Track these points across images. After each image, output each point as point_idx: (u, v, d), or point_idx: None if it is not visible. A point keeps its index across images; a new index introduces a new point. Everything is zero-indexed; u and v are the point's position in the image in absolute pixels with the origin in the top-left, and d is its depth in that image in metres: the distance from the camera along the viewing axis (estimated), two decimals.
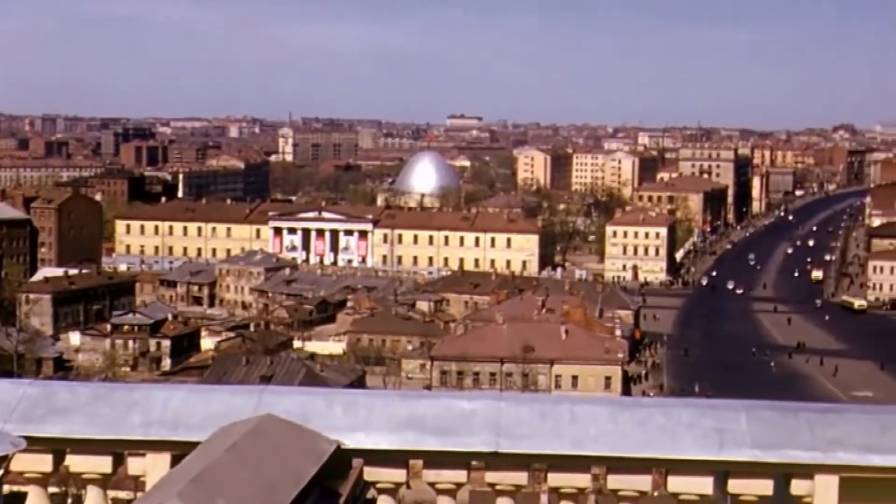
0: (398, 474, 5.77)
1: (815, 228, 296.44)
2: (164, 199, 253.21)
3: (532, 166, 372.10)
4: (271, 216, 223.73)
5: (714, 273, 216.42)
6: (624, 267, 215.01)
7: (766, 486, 5.60)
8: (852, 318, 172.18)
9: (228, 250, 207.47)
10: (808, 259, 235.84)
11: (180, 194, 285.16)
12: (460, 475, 5.74)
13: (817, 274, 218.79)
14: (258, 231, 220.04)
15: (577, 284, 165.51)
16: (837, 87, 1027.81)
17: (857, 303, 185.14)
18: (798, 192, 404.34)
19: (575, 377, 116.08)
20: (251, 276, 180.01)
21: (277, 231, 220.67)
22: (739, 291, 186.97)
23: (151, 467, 5.73)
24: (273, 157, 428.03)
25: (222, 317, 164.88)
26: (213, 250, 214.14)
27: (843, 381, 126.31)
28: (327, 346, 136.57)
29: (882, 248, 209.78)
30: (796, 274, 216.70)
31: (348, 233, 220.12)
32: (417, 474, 5.86)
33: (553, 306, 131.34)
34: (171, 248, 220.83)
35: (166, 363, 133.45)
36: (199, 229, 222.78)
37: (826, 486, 5.54)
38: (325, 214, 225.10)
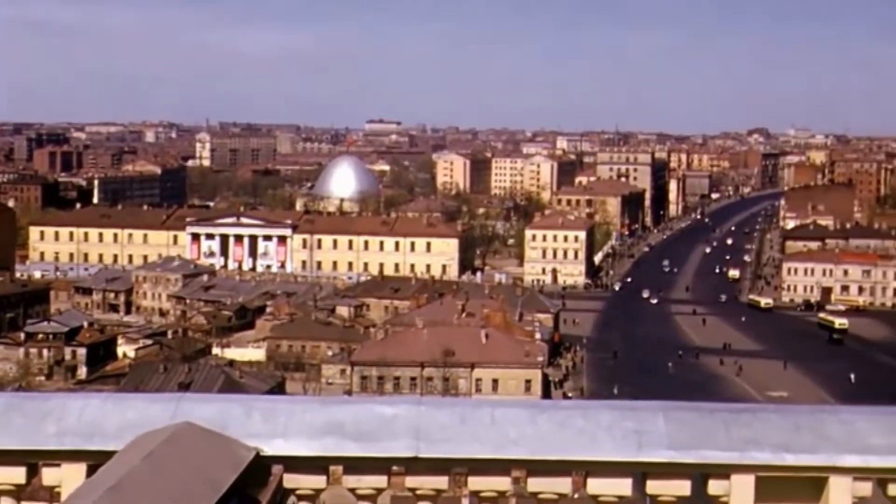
0: (318, 480, 5.74)
1: (732, 230, 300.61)
2: (79, 206, 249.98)
3: (451, 171, 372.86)
4: (189, 222, 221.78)
5: (629, 279, 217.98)
6: (543, 270, 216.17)
7: (683, 487, 5.65)
8: (767, 320, 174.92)
9: (145, 257, 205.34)
10: (726, 259, 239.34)
11: (96, 200, 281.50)
12: (380, 480, 5.73)
13: (734, 273, 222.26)
14: (175, 237, 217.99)
15: (497, 288, 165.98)
16: (752, 92, 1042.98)
17: (764, 301, 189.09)
18: (714, 196, 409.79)
19: (495, 381, 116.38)
20: (168, 282, 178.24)
21: (195, 237, 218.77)
22: (654, 301, 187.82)
23: (67, 478, 5.64)
24: (190, 162, 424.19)
25: (139, 324, 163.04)
26: (130, 257, 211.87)
27: (759, 381, 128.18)
28: (246, 352, 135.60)
29: (796, 250, 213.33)
30: (713, 275, 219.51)
31: (267, 238, 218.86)
32: (338, 480, 5.84)
33: (473, 310, 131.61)
34: (86, 255, 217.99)
35: (82, 372, 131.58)
36: (116, 235, 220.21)
37: (742, 485, 5.61)
38: (244, 220, 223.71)
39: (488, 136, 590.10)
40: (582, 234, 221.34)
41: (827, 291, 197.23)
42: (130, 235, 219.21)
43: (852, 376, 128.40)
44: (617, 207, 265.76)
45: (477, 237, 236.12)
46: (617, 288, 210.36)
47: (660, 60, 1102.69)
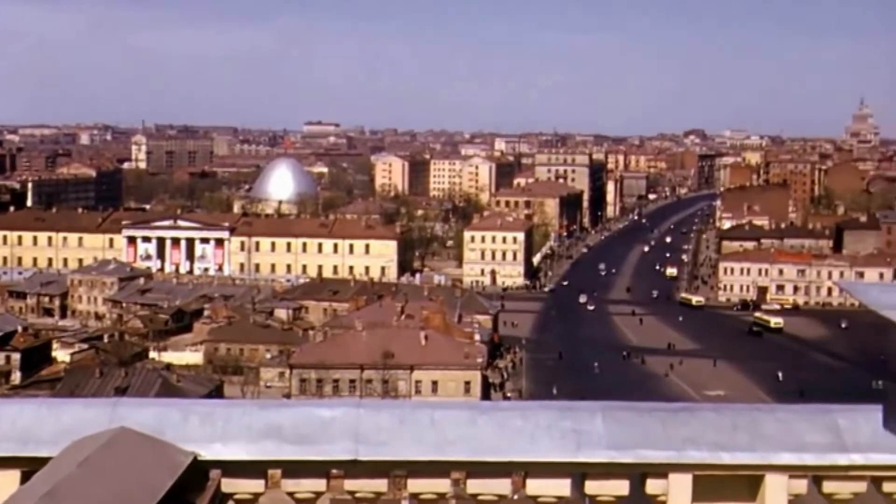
0: (256, 484, 5.71)
1: (669, 230, 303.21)
2: (12, 209, 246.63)
3: (390, 172, 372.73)
4: (125, 225, 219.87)
5: (567, 281, 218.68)
6: (482, 272, 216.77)
7: (622, 486, 5.68)
8: (703, 318, 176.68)
9: (80, 260, 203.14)
10: (664, 259, 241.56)
11: (29, 203, 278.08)
12: (319, 484, 5.71)
13: (672, 271, 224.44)
14: (111, 240, 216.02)
15: (436, 290, 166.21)
16: (688, 93, 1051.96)
17: (696, 300, 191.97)
18: (651, 196, 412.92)
19: (435, 382, 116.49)
20: (104, 286, 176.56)
21: (131, 240, 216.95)
22: (591, 307, 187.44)
23: (0, 485, 5.58)
24: (126, 165, 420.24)
25: (75, 328, 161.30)
26: (65, 260, 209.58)
27: (695, 380, 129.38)
28: (184, 356, 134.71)
29: (732, 250, 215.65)
30: (651, 275, 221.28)
31: (204, 241, 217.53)
32: (276, 484, 5.82)
33: (412, 312, 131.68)
34: (20, 259, 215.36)
35: (16, 377, 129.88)
36: (50, 239, 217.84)
37: (680, 484, 5.65)
38: (181, 222, 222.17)
39: (427, 138, 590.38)
40: (520, 236, 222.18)
41: (763, 291, 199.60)
42: (65, 239, 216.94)
43: (780, 374, 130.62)
44: (555, 209, 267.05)
45: (416, 239, 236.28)
46: (554, 289, 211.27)
47: (597, 61, 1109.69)
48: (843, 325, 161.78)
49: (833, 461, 5.67)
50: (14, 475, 5.57)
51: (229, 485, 5.69)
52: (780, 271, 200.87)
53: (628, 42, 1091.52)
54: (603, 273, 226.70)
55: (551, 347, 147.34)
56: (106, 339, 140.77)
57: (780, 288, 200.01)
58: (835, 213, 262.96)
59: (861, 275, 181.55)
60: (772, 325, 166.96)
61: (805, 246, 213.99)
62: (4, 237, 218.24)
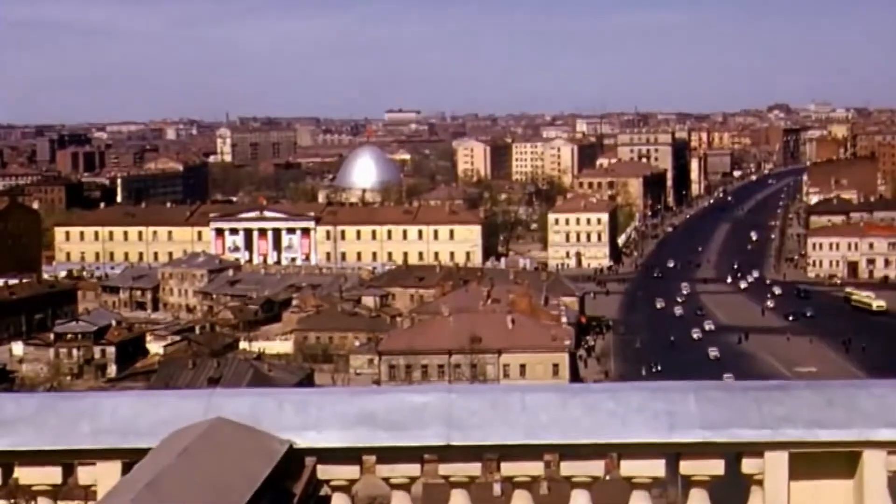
0: (351, 471, 5.76)
1: (755, 207, 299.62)
2: (102, 205, 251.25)
3: (472, 157, 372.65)
4: (212, 217, 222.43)
5: (654, 260, 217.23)
6: (567, 254, 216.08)
7: (717, 466, 5.65)
8: (799, 297, 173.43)
9: (170, 253, 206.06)
10: (751, 237, 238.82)
11: (119, 199, 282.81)
12: (414, 469, 5.75)
13: (756, 247, 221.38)
14: (199, 233, 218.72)
15: (522, 273, 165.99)
16: (771, 67, 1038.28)
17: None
18: (736, 173, 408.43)
19: (523, 366, 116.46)
20: (194, 278, 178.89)
21: (219, 232, 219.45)
22: (683, 286, 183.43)
23: (102, 476, 5.68)
24: (212, 158, 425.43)
25: (167, 321, 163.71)
26: (155, 254, 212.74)
27: (787, 358, 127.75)
28: (274, 345, 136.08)
29: (820, 225, 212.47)
30: (738, 253, 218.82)
31: (291, 231, 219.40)
32: (371, 470, 5.86)
33: (498, 296, 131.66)
34: (111, 254, 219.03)
35: (112, 370, 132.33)
36: (140, 234, 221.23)
37: (776, 462, 5.60)
38: (267, 213, 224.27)
39: (507, 122, 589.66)
40: (604, 217, 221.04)
41: (853, 265, 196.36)
42: (155, 233, 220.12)
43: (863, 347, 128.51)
44: (639, 189, 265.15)
45: (499, 223, 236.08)
46: (643, 269, 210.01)
47: (676, 38, 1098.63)
48: None
49: None
50: (115, 466, 5.68)
51: (325, 471, 5.75)
52: (871, 245, 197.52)
53: (706, 17, 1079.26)
54: (689, 252, 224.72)
55: (639, 328, 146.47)
56: (197, 331, 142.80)
57: (871, 262, 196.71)
58: None
59: None
60: (874, 307, 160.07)
61: (895, 219, 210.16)
62: (96, 233, 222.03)
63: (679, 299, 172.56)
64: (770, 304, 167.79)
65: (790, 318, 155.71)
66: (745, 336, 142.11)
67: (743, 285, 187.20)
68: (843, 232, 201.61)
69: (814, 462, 5.62)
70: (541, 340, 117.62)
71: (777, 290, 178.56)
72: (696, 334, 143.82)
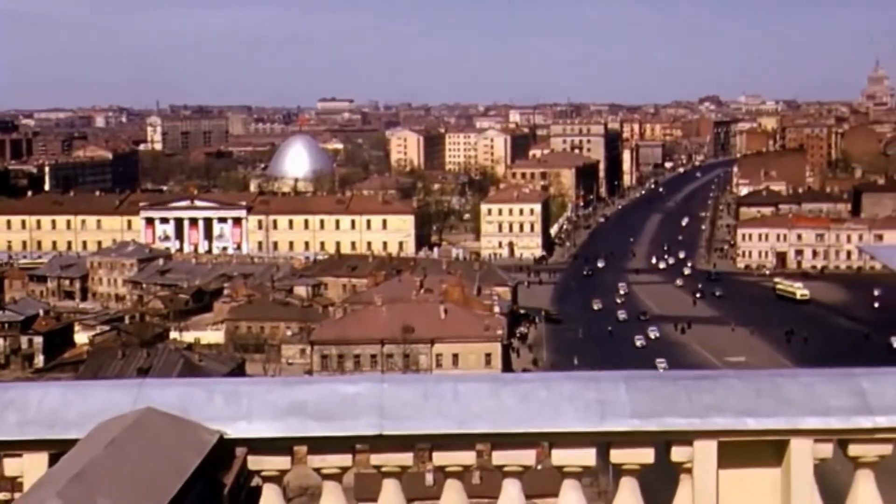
0: (282, 461, 5.74)
1: (686, 198, 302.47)
2: (30, 193, 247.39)
3: (405, 147, 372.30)
4: (142, 206, 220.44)
5: (586, 250, 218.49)
6: (500, 244, 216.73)
7: (647, 455, 5.69)
8: (721, 286, 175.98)
9: (99, 242, 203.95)
10: (682, 227, 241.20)
11: (47, 187, 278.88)
12: (345, 459, 5.73)
13: (686, 240, 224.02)
14: (129, 222, 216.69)
15: (455, 263, 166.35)
16: (702, 60, 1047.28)
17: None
18: (668, 164, 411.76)
19: (456, 355, 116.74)
20: (124, 267, 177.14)
21: (149, 221, 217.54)
22: (609, 278, 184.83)
23: (29, 468, 5.60)
24: (142, 147, 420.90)
25: (96, 310, 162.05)
26: (84, 243, 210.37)
27: (716, 347, 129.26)
28: (205, 335, 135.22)
29: (750, 216, 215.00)
30: (668, 244, 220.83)
31: (222, 220, 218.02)
32: (302, 460, 5.84)
33: (431, 286, 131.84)
34: (39, 243, 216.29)
35: (39, 360, 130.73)
36: (69, 222, 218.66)
37: (705, 451, 5.65)
38: (198, 202, 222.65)
39: (441, 112, 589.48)
40: (537, 207, 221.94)
41: (781, 256, 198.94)
42: (84, 222, 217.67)
43: (790, 338, 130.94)
44: (571, 179, 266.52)
45: (433, 213, 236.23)
46: (573, 259, 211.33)
47: (609, 30, 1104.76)
48: (876, 293, 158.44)
49: (858, 424, 5.66)
50: (42, 458, 5.61)
51: (255, 462, 5.72)
52: (799, 236, 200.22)
53: (639, 9, 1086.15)
54: (620, 242, 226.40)
55: (571, 318, 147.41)
56: (127, 321, 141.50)
57: (799, 253, 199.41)
58: (852, 176, 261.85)
59: (880, 237, 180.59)
60: (798, 296, 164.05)
61: (823, 210, 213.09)
62: (23, 222, 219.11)
63: (609, 289, 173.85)
64: (679, 282, 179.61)
65: (697, 294, 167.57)
66: (689, 325, 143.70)
67: (672, 274, 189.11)
68: (772, 223, 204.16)
69: (742, 450, 5.68)
70: (473, 330, 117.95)
71: (687, 272, 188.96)
72: (622, 318, 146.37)
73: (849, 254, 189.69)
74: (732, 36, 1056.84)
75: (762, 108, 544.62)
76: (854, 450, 5.82)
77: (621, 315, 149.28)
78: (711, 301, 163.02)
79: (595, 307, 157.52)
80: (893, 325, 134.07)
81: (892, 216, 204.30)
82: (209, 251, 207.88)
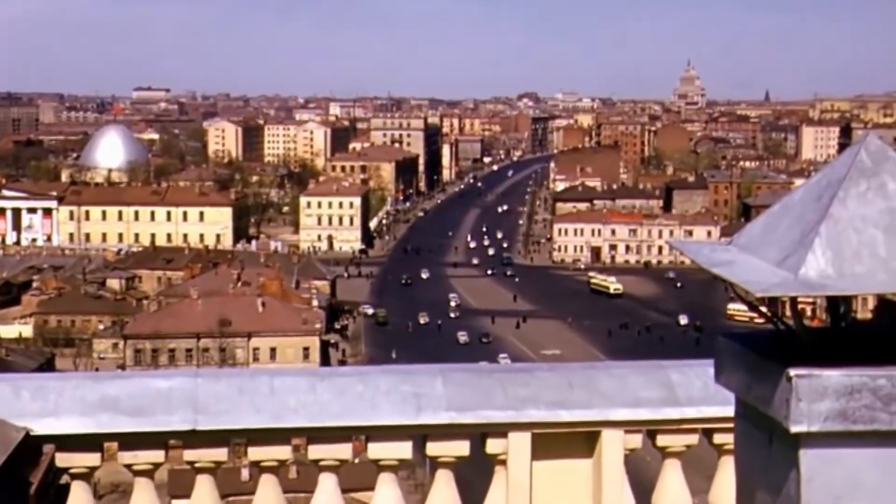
0: (92, 458, 5.61)
1: (504, 193, 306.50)
2: None
3: (223, 138, 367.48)
4: None
5: (404, 246, 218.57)
6: (319, 237, 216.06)
7: (462, 447, 5.74)
8: (541, 280, 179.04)
9: None
10: (499, 221, 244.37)
11: None
12: (157, 455, 5.64)
13: (502, 235, 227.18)
14: None
15: (273, 256, 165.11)
16: (521, 56, 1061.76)
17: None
18: (486, 160, 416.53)
19: (273, 349, 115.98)
20: None
21: None
22: (426, 275, 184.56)
23: None
24: None
25: None
26: None
27: (533, 340, 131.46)
28: (12, 329, 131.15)
29: (565, 211, 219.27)
30: (486, 237, 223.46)
31: (31, 211, 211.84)
32: (113, 457, 5.72)
33: (249, 279, 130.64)
34: None
35: None
36: None
37: (519, 442, 5.74)
38: (6, 192, 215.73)
39: (260, 103, 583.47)
40: (357, 201, 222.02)
41: (596, 251, 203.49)
42: None
43: (609, 331, 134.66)
44: (391, 173, 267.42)
45: (251, 205, 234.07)
46: (392, 253, 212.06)
47: (430, 24, 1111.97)
48: (679, 285, 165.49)
49: (666, 415, 5.83)
50: None
51: (64, 459, 5.58)
52: (613, 231, 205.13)
53: (458, 4, 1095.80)
54: (439, 236, 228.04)
55: (391, 312, 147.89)
56: None
57: (613, 247, 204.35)
58: (664, 173, 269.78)
59: (690, 233, 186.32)
60: (611, 290, 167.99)
61: (636, 206, 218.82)
62: None
63: (429, 283, 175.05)
64: (476, 260, 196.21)
65: (489, 272, 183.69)
66: (524, 320, 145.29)
67: (489, 268, 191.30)
68: (587, 218, 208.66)
69: (556, 442, 5.78)
70: (291, 324, 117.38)
71: (476, 261, 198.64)
72: (442, 317, 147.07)
73: (660, 249, 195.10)
74: (550, 33, 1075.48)
75: (579, 106, 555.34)
76: (662, 440, 6.00)
77: (447, 314, 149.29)
78: (528, 294, 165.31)
79: (422, 321, 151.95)
80: (697, 315, 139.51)
81: (700, 212, 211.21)
82: (17, 242, 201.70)
